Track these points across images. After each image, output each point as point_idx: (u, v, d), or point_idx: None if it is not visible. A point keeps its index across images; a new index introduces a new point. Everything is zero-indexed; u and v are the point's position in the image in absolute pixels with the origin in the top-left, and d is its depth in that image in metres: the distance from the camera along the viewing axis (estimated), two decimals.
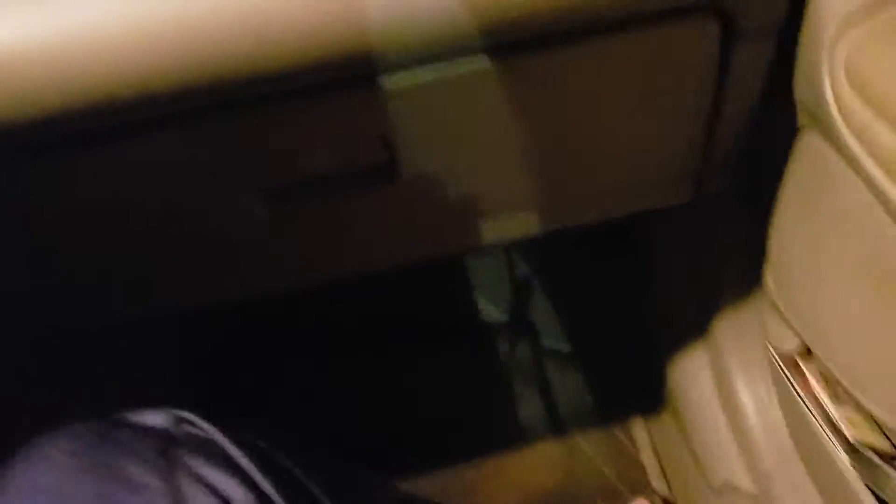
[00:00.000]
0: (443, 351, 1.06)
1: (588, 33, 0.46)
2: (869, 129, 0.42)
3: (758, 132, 0.60)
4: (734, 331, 0.75)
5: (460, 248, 0.64)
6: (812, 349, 0.61)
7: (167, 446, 0.45)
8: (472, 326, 1.08)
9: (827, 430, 0.61)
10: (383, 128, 0.49)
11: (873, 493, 0.58)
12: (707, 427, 0.79)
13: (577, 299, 1.08)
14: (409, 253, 0.64)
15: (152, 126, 0.44)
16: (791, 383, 0.65)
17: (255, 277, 0.60)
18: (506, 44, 0.46)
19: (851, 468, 0.58)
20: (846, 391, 0.57)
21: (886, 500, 0.56)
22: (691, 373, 0.82)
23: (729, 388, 0.75)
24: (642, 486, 0.95)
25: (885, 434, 0.56)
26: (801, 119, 0.54)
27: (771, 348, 0.68)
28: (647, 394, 0.94)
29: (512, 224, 0.63)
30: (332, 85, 0.45)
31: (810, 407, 0.63)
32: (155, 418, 0.47)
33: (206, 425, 0.47)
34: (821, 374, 0.62)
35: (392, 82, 0.46)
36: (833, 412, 0.60)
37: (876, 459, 0.56)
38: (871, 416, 0.56)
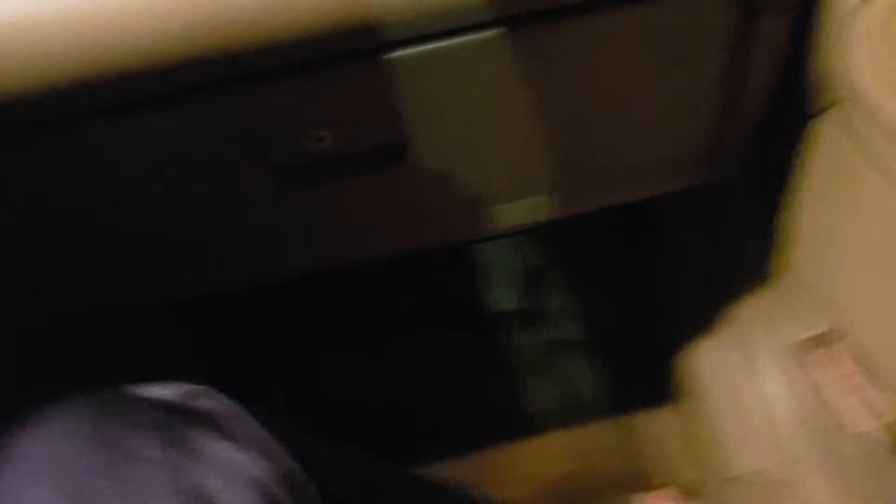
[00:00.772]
0: (453, 339, 1.05)
1: (604, 2, 0.45)
2: (888, 105, 0.41)
3: (774, 115, 0.59)
4: (758, 316, 0.74)
5: (472, 234, 0.64)
6: (845, 330, 0.60)
7: (173, 418, 0.44)
8: (483, 314, 1.07)
9: (858, 417, 0.60)
10: (392, 105, 0.48)
11: None
12: (732, 415, 0.78)
13: (590, 287, 1.07)
14: (419, 238, 0.63)
15: (155, 102, 0.44)
16: (815, 369, 0.64)
17: (264, 261, 0.60)
18: (517, 16, 0.45)
19: (877, 452, 0.57)
20: (881, 372, 0.56)
21: None
22: (714, 360, 0.80)
23: (754, 375, 0.74)
24: (657, 477, 0.94)
25: None
26: (817, 101, 0.53)
27: (794, 333, 0.67)
28: (661, 383, 0.93)
29: (525, 208, 0.62)
30: (339, 59, 0.44)
31: (834, 392, 0.62)
32: (163, 391, 0.46)
33: (224, 399, 0.47)
34: (852, 356, 0.61)
35: (402, 57, 0.45)
36: (866, 398, 0.59)
37: None
38: None
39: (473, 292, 1.08)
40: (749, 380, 0.75)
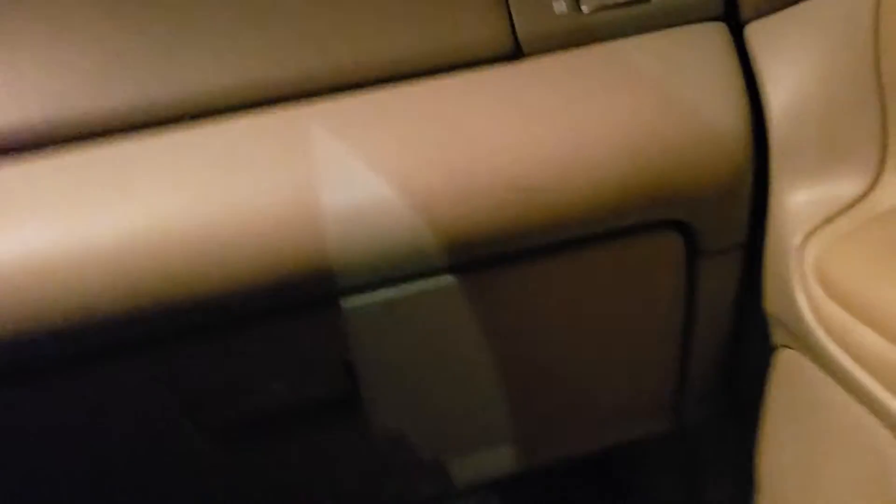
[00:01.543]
0: None
1: (551, 249, 0.46)
2: (850, 333, 0.41)
3: (735, 354, 0.58)
4: None
5: (430, 491, 0.60)
6: None
7: None
8: None
9: None
10: (344, 354, 0.46)
11: None
12: None
13: None
14: (375, 497, 0.59)
15: (90, 355, 0.41)
16: None
17: None
18: (468, 263, 0.45)
19: None
20: None
21: None
22: None
23: None
24: None
25: None
26: (777, 336, 0.53)
27: None
28: None
29: (488, 462, 0.59)
30: (289, 309, 0.43)
31: None
32: None
33: None
34: None
35: (353, 304, 0.44)
36: None
37: None
38: None
39: None
40: None
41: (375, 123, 0.42)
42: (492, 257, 0.45)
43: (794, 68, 0.45)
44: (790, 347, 0.52)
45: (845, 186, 0.46)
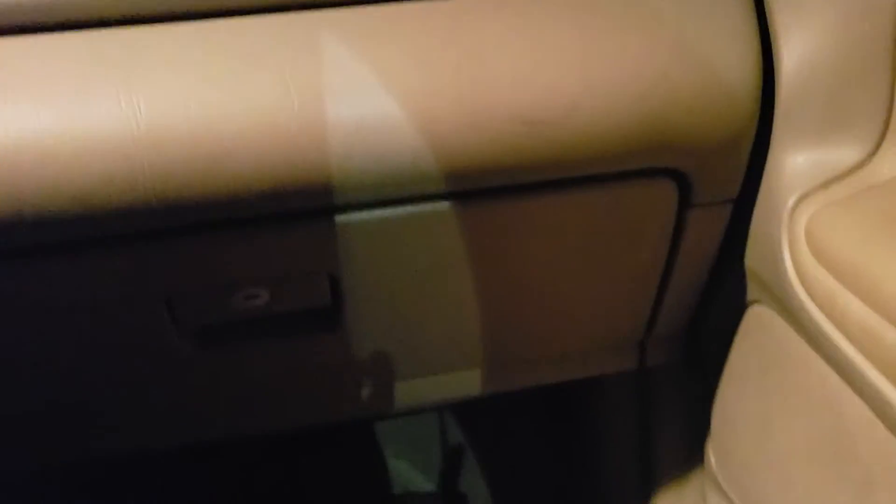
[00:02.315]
0: None
1: (548, 186, 0.46)
2: (834, 298, 0.42)
3: (706, 303, 0.59)
4: None
5: (399, 407, 0.61)
6: None
7: None
8: (398, 496, 1.02)
9: None
10: (331, 267, 0.46)
11: None
12: None
13: (511, 470, 1.04)
14: (343, 409, 0.60)
15: (82, 245, 0.41)
16: None
17: (175, 425, 0.55)
18: (464, 191, 0.45)
19: None
20: None
21: None
22: None
23: None
24: None
25: None
26: (753, 292, 0.54)
27: None
28: None
29: (455, 383, 0.60)
30: (281, 217, 0.43)
31: None
32: None
33: None
34: None
35: (346, 221, 0.44)
36: None
37: None
38: None
39: (388, 471, 1.04)
40: None
41: (389, 39, 0.41)
42: (488, 188, 0.45)
43: (810, 29, 0.45)
44: (763, 304, 0.53)
45: (845, 153, 0.46)
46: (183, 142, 0.38)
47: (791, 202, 0.46)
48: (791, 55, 0.45)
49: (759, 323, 0.54)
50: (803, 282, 0.45)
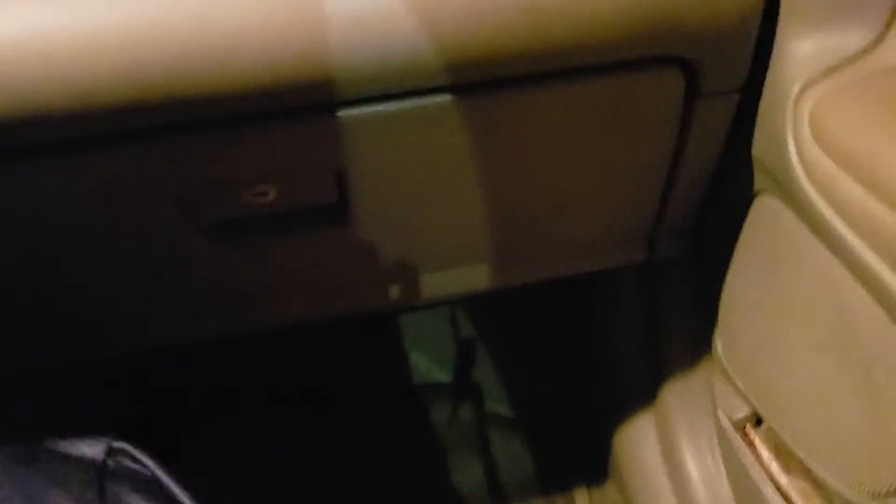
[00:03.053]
0: (382, 413, 1.02)
1: (552, 76, 0.46)
2: (835, 184, 0.42)
3: (713, 195, 0.59)
4: (682, 398, 0.74)
5: (409, 302, 0.62)
6: (765, 418, 0.60)
7: (98, 479, 0.42)
8: (414, 387, 1.05)
9: (776, 501, 0.59)
10: (336, 163, 0.46)
11: None
12: (652, 498, 0.77)
13: (523, 363, 1.06)
14: (354, 304, 0.61)
15: (91, 143, 0.41)
16: (740, 453, 0.63)
17: (192, 321, 0.56)
18: (468, 83, 0.45)
19: None
20: (799, 461, 0.56)
21: None
22: (637, 441, 0.80)
23: (675, 457, 0.73)
24: None
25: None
26: (759, 182, 0.54)
27: (720, 417, 0.66)
28: (592, 462, 0.91)
29: (463, 278, 0.61)
30: (286, 113, 0.43)
31: (759, 477, 0.61)
32: (86, 448, 0.44)
33: (146, 459, 0.44)
34: (772, 443, 0.61)
35: (350, 116, 0.44)
36: (783, 482, 0.59)
37: None
38: (824, 487, 0.55)
39: (403, 365, 1.06)
40: (670, 463, 0.74)
41: None
42: (492, 80, 0.45)
43: None
44: (770, 194, 0.53)
45: (851, 38, 0.45)
46: (181, 38, 0.38)
47: (796, 88, 0.45)
48: None
49: (765, 213, 0.54)
50: (806, 168, 0.45)
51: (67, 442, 0.44)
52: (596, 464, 0.90)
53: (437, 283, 0.61)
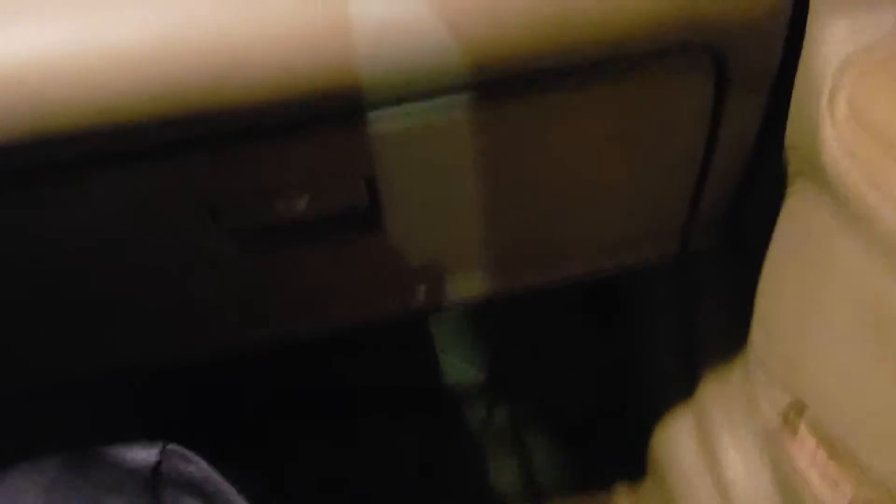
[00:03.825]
0: (416, 415, 1.02)
1: (581, 73, 0.45)
2: (876, 166, 0.41)
3: (747, 186, 0.59)
4: (719, 393, 0.73)
5: (441, 305, 0.62)
6: (809, 405, 0.59)
7: (153, 484, 0.42)
8: (448, 390, 1.04)
9: (821, 495, 0.58)
10: (366, 169, 0.46)
11: None
12: (691, 497, 0.76)
13: (558, 363, 1.05)
14: (383, 308, 0.61)
15: (122, 159, 0.41)
16: (781, 443, 0.62)
17: (227, 330, 0.57)
18: (494, 85, 0.44)
19: None
20: (844, 451, 0.55)
21: None
22: (675, 439, 0.79)
23: (715, 455, 0.72)
24: None
25: (882, 491, 0.53)
26: (794, 171, 0.53)
27: (758, 411, 0.65)
28: (630, 462, 0.90)
29: (495, 279, 0.61)
30: (314, 121, 0.43)
31: (802, 471, 0.60)
32: (140, 453, 0.44)
33: (200, 462, 0.44)
34: (816, 432, 0.60)
35: (378, 121, 0.44)
36: (828, 474, 0.58)
37: None
38: (870, 477, 0.54)
39: (437, 367, 1.06)
40: (710, 460, 0.73)
41: None
42: (521, 79, 0.44)
43: None
44: (805, 183, 0.52)
45: (885, 15, 0.44)
46: (202, 53, 0.38)
47: (832, 70, 0.44)
48: None
49: (800, 203, 0.53)
50: (844, 151, 0.43)
51: (121, 447, 0.44)
52: (634, 463, 0.89)
53: (469, 285, 0.60)
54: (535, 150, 0.50)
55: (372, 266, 0.55)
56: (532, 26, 0.41)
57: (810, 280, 0.54)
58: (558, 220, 0.56)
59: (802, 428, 0.60)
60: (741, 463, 0.70)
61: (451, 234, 0.55)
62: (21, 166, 0.40)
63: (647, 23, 0.43)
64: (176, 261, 0.49)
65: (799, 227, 0.55)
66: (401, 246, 0.54)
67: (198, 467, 0.44)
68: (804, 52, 0.46)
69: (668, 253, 0.64)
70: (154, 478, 0.42)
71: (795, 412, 0.61)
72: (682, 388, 0.77)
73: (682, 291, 0.76)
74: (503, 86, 0.45)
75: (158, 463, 0.43)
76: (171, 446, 0.45)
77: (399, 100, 0.43)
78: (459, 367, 1.06)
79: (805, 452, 0.60)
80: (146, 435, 0.46)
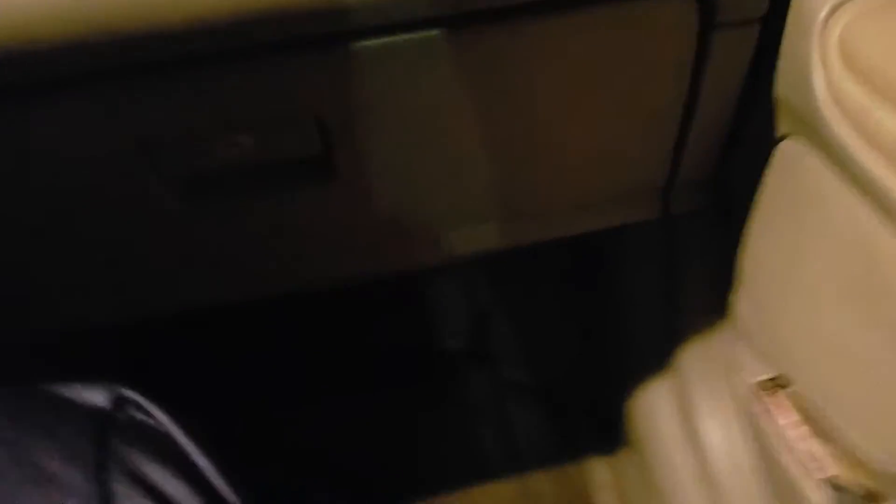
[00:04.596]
0: (397, 381, 1.01)
1: (556, 5, 0.42)
2: (869, 114, 0.38)
3: (734, 146, 0.56)
4: (700, 362, 0.72)
5: (408, 265, 0.59)
6: (790, 378, 0.57)
7: (102, 432, 0.38)
8: (428, 356, 1.04)
9: (799, 467, 0.57)
10: (318, 109, 0.43)
11: None
12: (669, 465, 0.75)
13: (538, 330, 1.05)
14: (349, 269, 0.58)
15: (50, 86, 0.38)
16: (759, 417, 0.61)
17: (167, 288, 0.53)
18: (463, 14, 0.41)
19: None
20: (826, 423, 0.53)
21: None
22: (653, 407, 0.78)
23: (693, 424, 0.71)
24: None
25: (865, 470, 0.52)
26: (782, 125, 0.50)
27: (740, 381, 0.64)
28: (609, 429, 0.90)
29: (467, 237, 0.58)
30: (260, 51, 0.39)
31: (781, 442, 0.59)
32: (92, 395, 0.40)
33: (156, 411, 0.41)
34: (795, 405, 0.58)
35: (332, 53, 0.40)
36: (807, 447, 0.56)
37: (852, 498, 0.52)
38: (852, 450, 0.52)
39: (418, 333, 1.05)
40: (688, 429, 0.72)
41: None
42: (489, 10, 0.41)
43: None
44: (794, 137, 0.49)
45: None
46: None
47: (823, 13, 0.42)
48: None
49: (788, 158, 0.51)
50: (836, 99, 0.41)
51: (68, 387, 0.40)
52: (613, 431, 0.88)
53: (441, 245, 0.58)
54: (505, 91, 0.46)
55: (333, 224, 0.52)
56: None
57: (797, 241, 0.52)
58: (531, 173, 0.54)
59: (785, 403, 0.59)
60: (720, 431, 0.69)
61: (416, 189, 0.52)
62: None
63: None
64: (112, 210, 0.46)
65: (787, 184, 0.52)
66: (362, 200, 0.51)
67: (156, 420, 0.41)
68: None
69: (650, 214, 0.61)
70: (103, 424, 0.39)
71: (779, 387, 0.60)
72: (662, 356, 0.76)
73: (665, 256, 0.74)
74: (472, 16, 0.41)
75: (111, 408, 0.40)
76: (128, 392, 0.41)
77: (355, 34, 0.40)
78: (440, 334, 1.05)
79: (786, 427, 0.58)
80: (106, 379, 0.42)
